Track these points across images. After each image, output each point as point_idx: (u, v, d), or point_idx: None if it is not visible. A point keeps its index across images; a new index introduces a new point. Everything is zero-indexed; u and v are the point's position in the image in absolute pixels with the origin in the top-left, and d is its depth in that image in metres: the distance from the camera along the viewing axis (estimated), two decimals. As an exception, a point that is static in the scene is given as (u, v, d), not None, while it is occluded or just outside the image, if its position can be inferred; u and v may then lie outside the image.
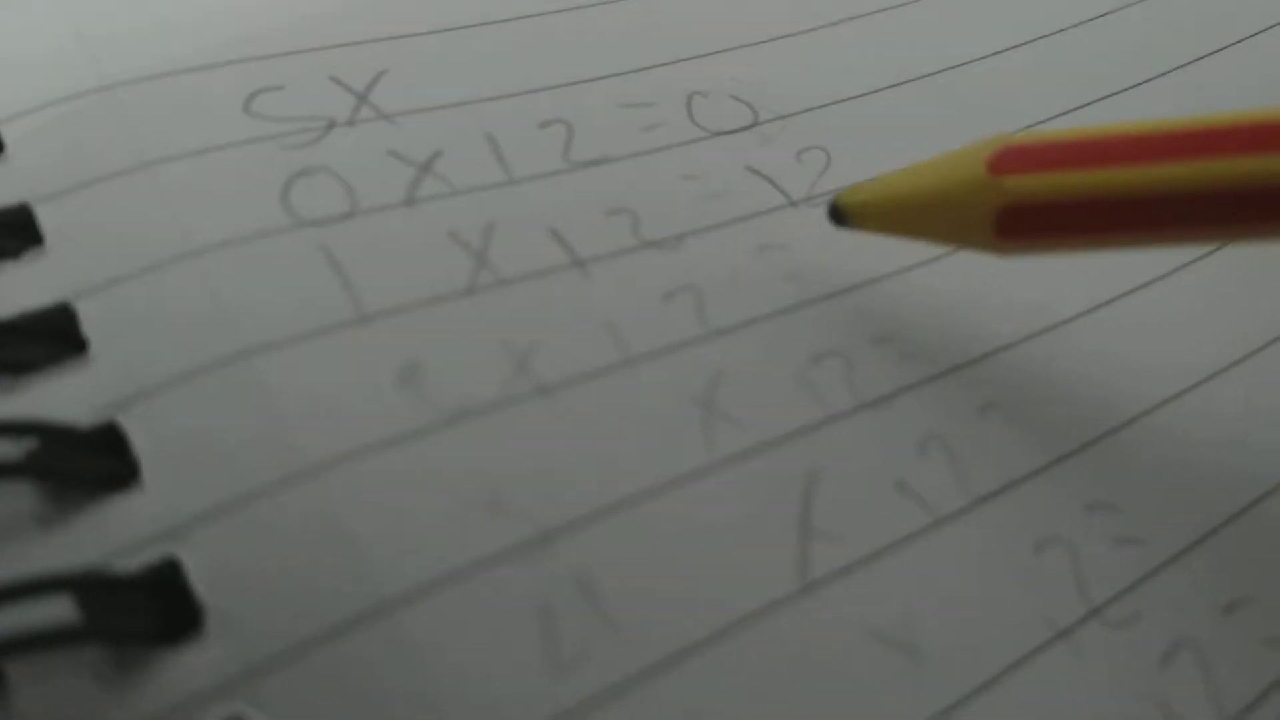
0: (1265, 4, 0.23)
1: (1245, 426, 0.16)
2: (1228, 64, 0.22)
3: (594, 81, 0.17)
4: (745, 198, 0.17)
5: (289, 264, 0.14)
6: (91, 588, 0.11)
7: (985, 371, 0.16)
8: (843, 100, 0.19)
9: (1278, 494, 0.15)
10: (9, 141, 0.15)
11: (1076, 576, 0.14)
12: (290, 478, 0.12)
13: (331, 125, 0.16)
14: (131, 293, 0.14)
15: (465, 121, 0.16)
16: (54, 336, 0.13)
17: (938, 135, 0.18)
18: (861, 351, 0.15)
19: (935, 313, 0.16)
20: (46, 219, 0.14)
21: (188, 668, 0.11)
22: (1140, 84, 0.21)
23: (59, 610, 0.11)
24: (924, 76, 0.20)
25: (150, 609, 0.11)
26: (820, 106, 0.18)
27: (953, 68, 0.20)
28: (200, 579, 0.12)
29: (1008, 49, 0.21)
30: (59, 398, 0.13)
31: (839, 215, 0.15)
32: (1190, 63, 0.21)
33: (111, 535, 0.12)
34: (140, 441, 0.12)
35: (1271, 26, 0.23)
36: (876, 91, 0.19)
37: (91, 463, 0.12)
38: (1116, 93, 0.20)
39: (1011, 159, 0.14)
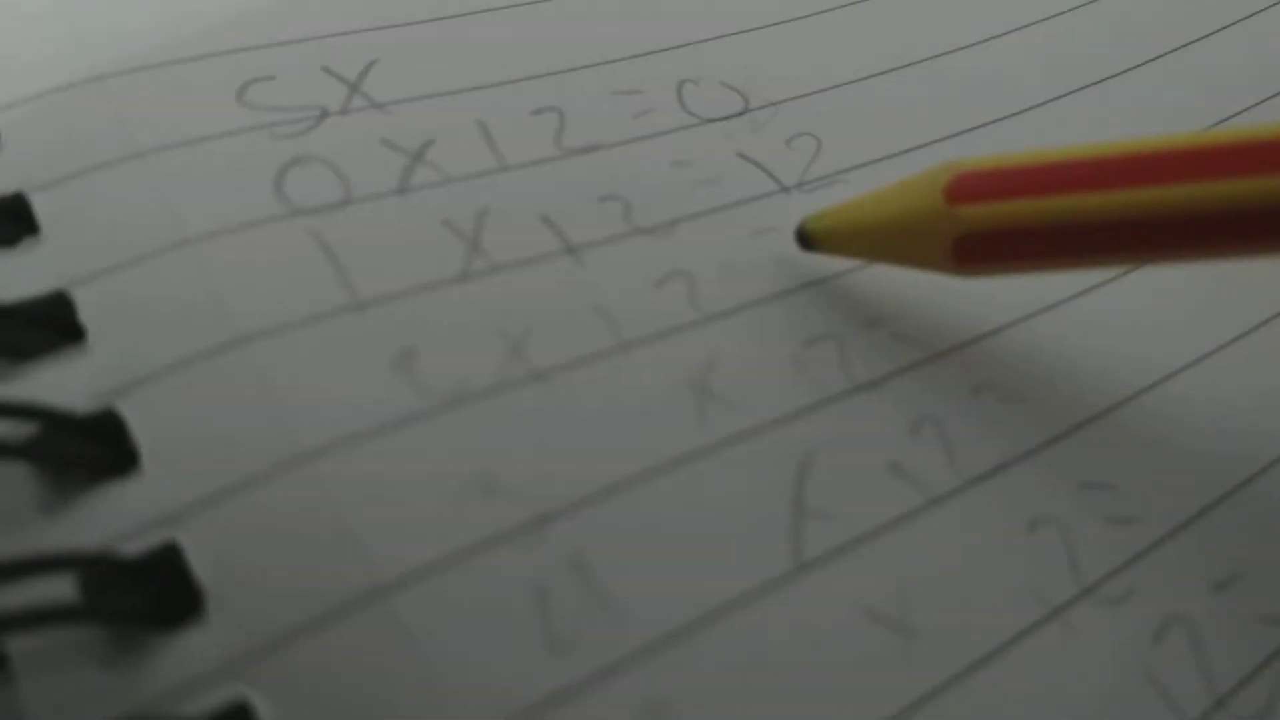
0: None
1: (1238, 407, 0.16)
2: (1221, 47, 0.22)
3: (585, 69, 0.17)
4: (737, 184, 0.17)
5: (283, 252, 0.14)
6: (93, 570, 0.11)
7: (978, 353, 0.16)
8: (834, 86, 0.19)
9: (1269, 473, 0.15)
10: (3, 130, 0.15)
11: (1069, 555, 0.14)
12: (287, 463, 0.12)
13: (324, 114, 0.16)
14: (127, 281, 0.14)
15: (457, 109, 0.16)
16: (51, 324, 0.13)
17: (928, 121, 0.18)
18: (854, 334, 0.15)
19: (928, 295, 0.16)
20: (42, 207, 0.14)
21: (188, 651, 0.11)
22: (1132, 69, 0.21)
23: (60, 591, 0.11)
24: (915, 62, 0.20)
25: (150, 593, 0.11)
26: (811, 93, 0.18)
27: (944, 54, 0.20)
28: (200, 563, 0.12)
29: (999, 35, 0.21)
30: (57, 384, 0.13)
31: (805, 240, 0.16)
32: (1182, 47, 0.21)
33: (112, 520, 0.12)
34: (139, 428, 0.12)
35: (1267, 8, 0.23)
36: (867, 77, 0.19)
37: (91, 448, 0.12)
38: (1108, 78, 0.20)
39: (966, 186, 0.14)
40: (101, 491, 0.12)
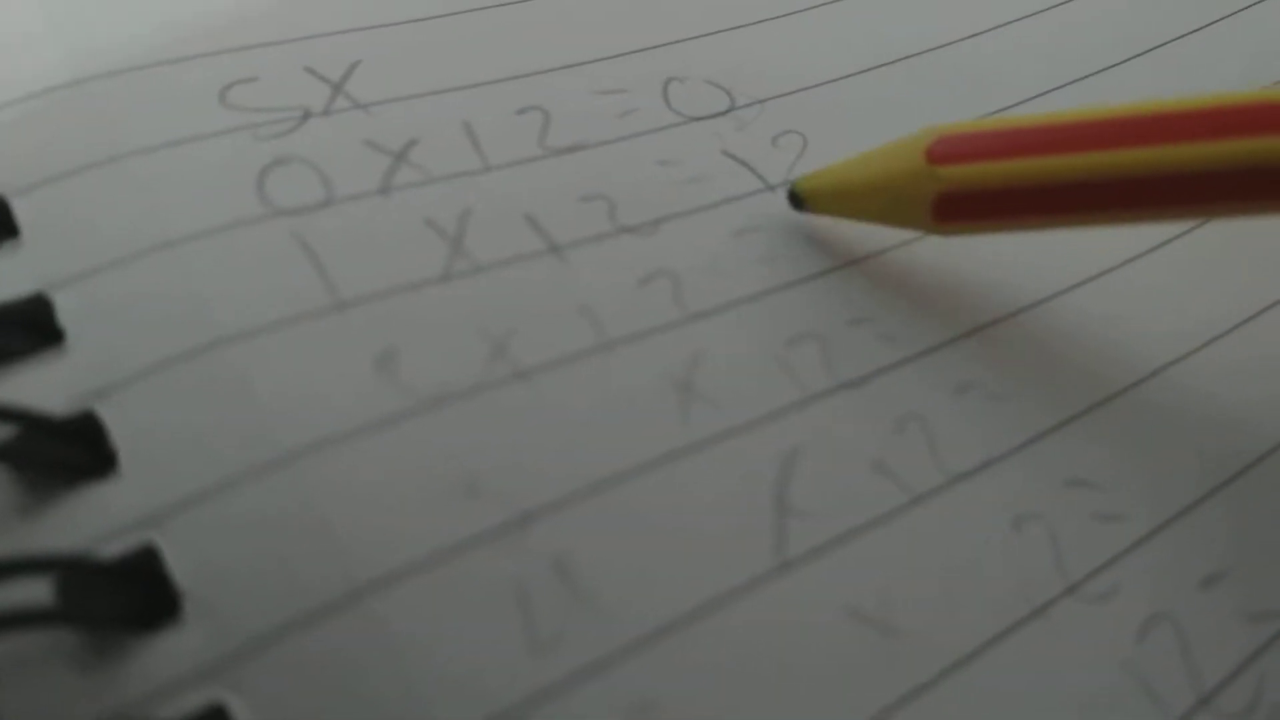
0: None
1: (1223, 404, 0.16)
2: (1211, 41, 0.22)
3: (570, 68, 0.18)
4: (722, 182, 0.17)
5: (265, 253, 0.14)
6: (70, 572, 0.11)
7: (962, 352, 0.16)
8: (819, 84, 0.19)
9: (1255, 470, 0.16)
10: None
11: (1055, 552, 0.14)
12: (267, 465, 0.12)
13: (307, 115, 0.16)
14: (107, 283, 0.14)
15: (441, 110, 0.16)
16: (30, 327, 0.13)
17: (914, 117, 0.18)
18: (839, 333, 0.15)
19: (912, 294, 0.16)
20: (22, 211, 0.14)
21: (167, 654, 0.11)
22: (1120, 63, 0.21)
23: (37, 594, 0.11)
24: (900, 59, 0.20)
25: (128, 595, 0.11)
26: (796, 91, 0.18)
27: (929, 50, 0.20)
28: (178, 566, 0.12)
29: (984, 31, 0.21)
30: (36, 387, 0.13)
31: (796, 199, 0.16)
32: (1170, 41, 0.21)
33: (90, 523, 0.12)
34: (118, 430, 0.12)
35: (1255, 3, 0.23)
36: (852, 75, 0.19)
37: (69, 451, 0.12)
38: (1095, 72, 0.20)
39: (947, 148, 0.15)
40: (79, 494, 0.12)
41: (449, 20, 0.18)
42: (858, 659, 0.13)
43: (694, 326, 0.15)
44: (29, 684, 0.11)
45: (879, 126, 0.18)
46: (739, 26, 0.19)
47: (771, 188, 0.17)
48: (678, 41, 0.19)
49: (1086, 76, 0.20)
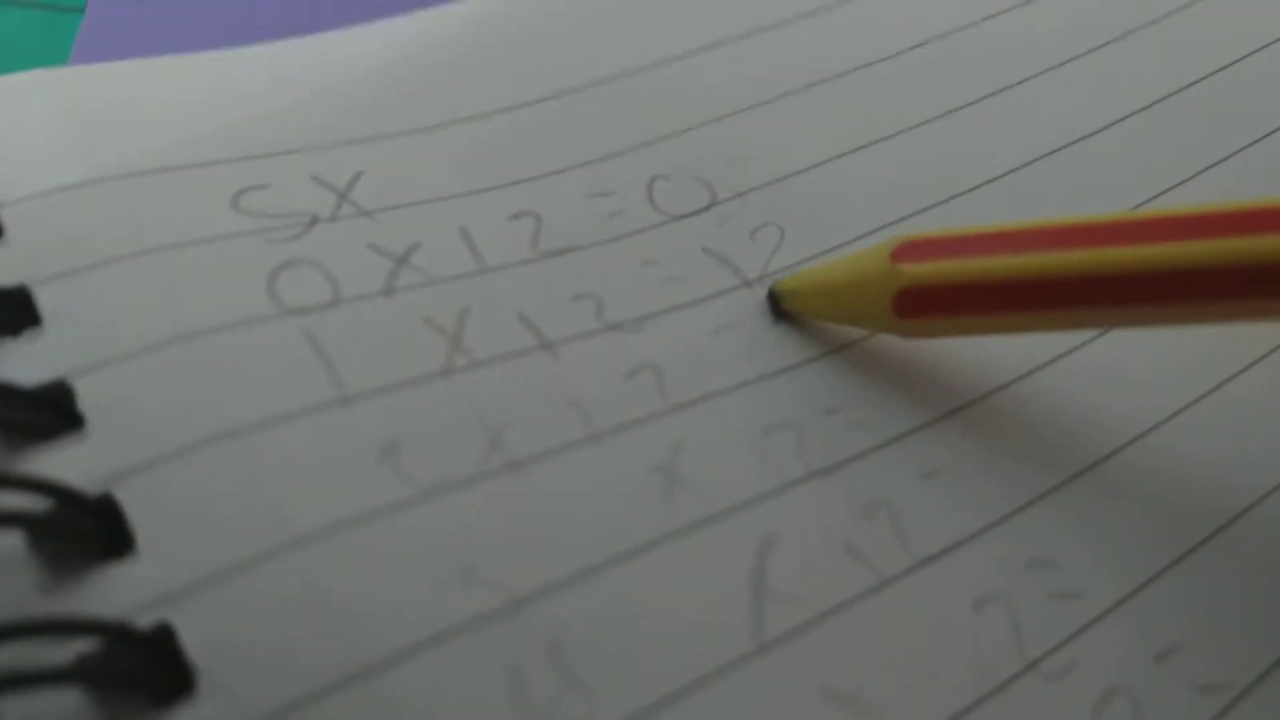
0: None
1: (1177, 483, 0.17)
2: (1211, 91, 0.22)
3: (561, 173, 0.18)
4: (702, 280, 0.17)
5: (276, 349, 0.15)
6: (106, 638, 0.12)
7: (930, 437, 0.16)
8: (796, 172, 0.19)
9: (1207, 546, 0.16)
10: (7, 224, 0.15)
11: (1015, 631, 0.15)
12: (278, 548, 0.13)
13: (314, 221, 0.17)
14: (126, 372, 0.14)
15: (440, 215, 0.17)
16: (52, 411, 0.14)
17: (888, 201, 0.19)
18: (812, 422, 0.16)
19: (882, 383, 0.17)
20: (44, 300, 0.15)
21: (184, 730, 0.12)
22: (1101, 130, 0.21)
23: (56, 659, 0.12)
24: (877, 141, 0.20)
25: (150, 669, 0.12)
26: (775, 180, 0.19)
27: (905, 130, 0.20)
28: (193, 643, 0.12)
29: (962, 106, 0.21)
30: (57, 469, 0.13)
31: (775, 299, 0.17)
32: (1155, 103, 0.22)
33: (109, 600, 0.12)
34: (135, 512, 0.13)
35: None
36: (830, 160, 0.19)
37: (97, 525, 0.13)
38: (1072, 143, 0.21)
39: (910, 249, 0.16)
40: (99, 572, 0.13)
41: (446, 130, 0.18)
42: (832, 736, 0.13)
43: (677, 417, 0.16)
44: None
45: (853, 212, 0.19)
46: (721, 117, 0.20)
47: (749, 283, 0.18)
48: (663, 138, 0.19)
49: (1066, 146, 0.21)
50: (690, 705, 0.13)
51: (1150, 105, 0.22)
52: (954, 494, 0.16)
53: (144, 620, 0.12)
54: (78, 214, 0.16)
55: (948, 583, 0.15)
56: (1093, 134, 0.21)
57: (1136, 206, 0.20)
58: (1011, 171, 0.20)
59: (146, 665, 0.12)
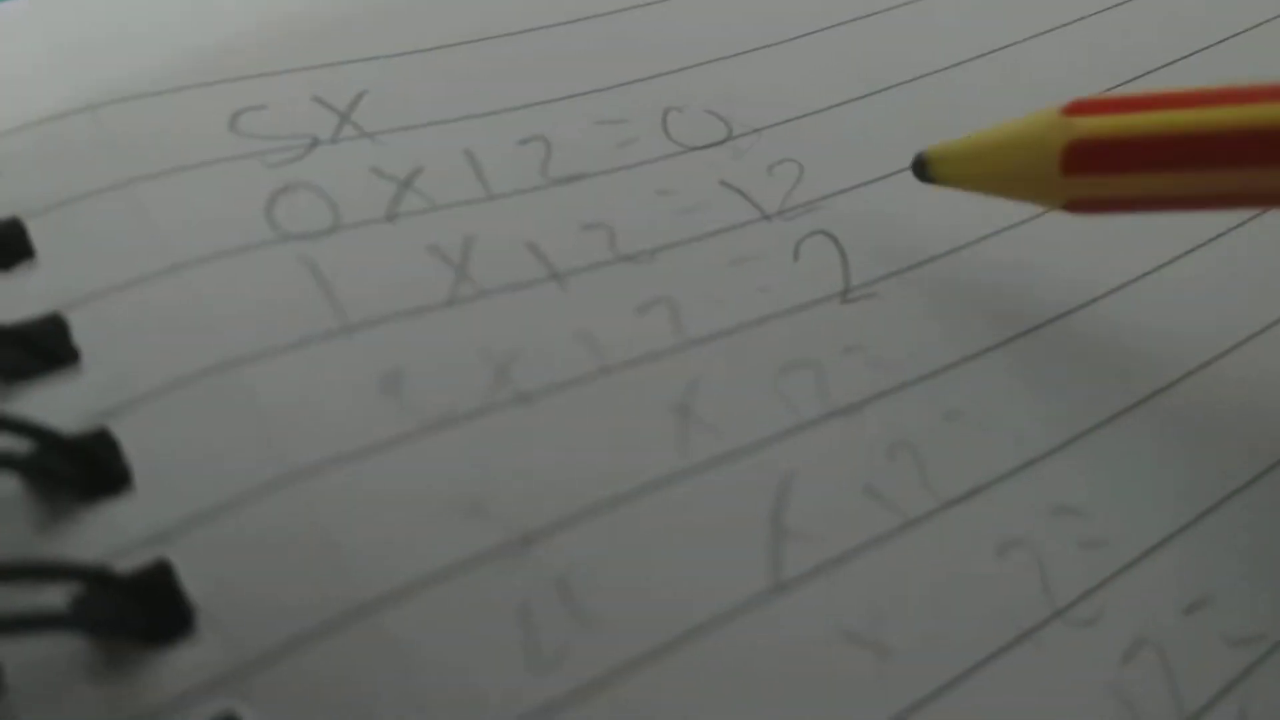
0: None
1: (1208, 432, 0.16)
2: (1212, 63, 0.22)
3: (571, 99, 0.18)
4: (719, 212, 0.17)
5: (274, 276, 0.14)
6: (89, 583, 0.12)
7: (952, 379, 0.16)
8: (815, 111, 0.19)
9: (1238, 497, 0.16)
10: None
11: (1042, 578, 0.14)
12: (276, 483, 0.13)
13: (315, 143, 0.16)
14: (121, 304, 0.14)
15: (445, 139, 0.17)
16: (46, 346, 0.13)
17: (909, 143, 0.18)
18: (832, 361, 0.16)
19: (903, 322, 0.16)
20: (37, 232, 0.14)
21: (180, 666, 0.11)
22: (1114, 87, 0.21)
23: (53, 604, 0.11)
24: (894, 86, 0.20)
25: (143, 609, 0.12)
26: (793, 118, 0.19)
27: (923, 75, 0.20)
28: (191, 581, 0.12)
29: (976, 57, 0.21)
30: (52, 405, 0.13)
31: (921, 166, 0.17)
32: (1172, 63, 0.22)
33: (104, 538, 0.12)
34: (131, 448, 0.13)
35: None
36: (849, 101, 0.19)
37: (84, 467, 0.12)
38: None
39: (1084, 107, 0.15)
40: (94, 510, 0.12)
41: (453, 51, 0.18)
42: (851, 679, 0.13)
43: (691, 353, 0.15)
44: (46, 693, 0.11)
45: (873, 153, 0.18)
46: (738, 54, 0.20)
47: (768, 217, 0.17)
48: (677, 70, 0.19)
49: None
50: (705, 645, 0.13)
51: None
52: (977, 437, 0.15)
53: (141, 558, 0.12)
54: (69, 143, 0.15)
55: (972, 527, 0.15)
56: (1130, 80, 0.21)
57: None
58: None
59: (137, 607, 0.12)
